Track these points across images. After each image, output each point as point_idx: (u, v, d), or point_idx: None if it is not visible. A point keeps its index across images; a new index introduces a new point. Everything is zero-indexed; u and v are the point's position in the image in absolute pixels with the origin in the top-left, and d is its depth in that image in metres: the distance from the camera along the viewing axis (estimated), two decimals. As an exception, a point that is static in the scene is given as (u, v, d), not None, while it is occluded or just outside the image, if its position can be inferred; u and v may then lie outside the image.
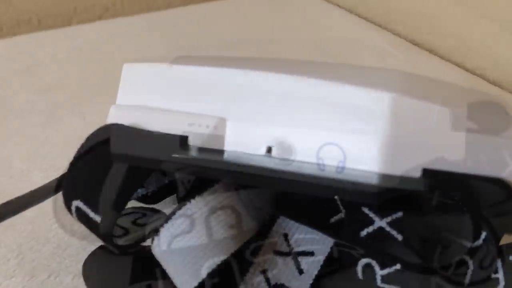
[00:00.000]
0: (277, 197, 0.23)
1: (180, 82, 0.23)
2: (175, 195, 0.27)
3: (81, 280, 0.25)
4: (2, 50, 0.49)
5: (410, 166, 0.20)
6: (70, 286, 0.26)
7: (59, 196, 0.24)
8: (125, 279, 0.23)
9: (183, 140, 0.21)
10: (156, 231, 0.22)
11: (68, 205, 0.23)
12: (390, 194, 0.19)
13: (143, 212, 0.26)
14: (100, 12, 0.60)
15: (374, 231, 0.21)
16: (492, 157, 0.21)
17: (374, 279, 0.22)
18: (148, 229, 0.24)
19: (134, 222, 0.25)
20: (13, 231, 0.29)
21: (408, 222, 0.21)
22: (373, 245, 0.21)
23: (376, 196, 0.19)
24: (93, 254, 0.25)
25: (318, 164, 0.20)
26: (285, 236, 0.23)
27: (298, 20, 0.58)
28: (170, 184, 0.27)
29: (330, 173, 0.20)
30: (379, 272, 0.22)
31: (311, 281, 0.23)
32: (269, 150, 0.21)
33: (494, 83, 0.46)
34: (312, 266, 0.23)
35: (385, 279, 0.22)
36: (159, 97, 0.23)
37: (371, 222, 0.21)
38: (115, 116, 0.23)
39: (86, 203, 0.22)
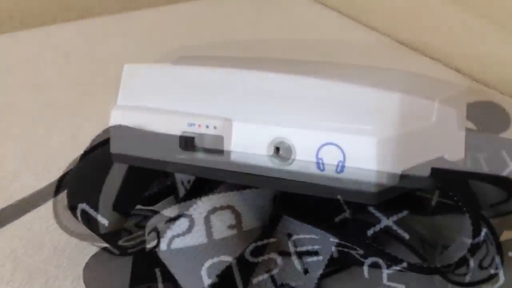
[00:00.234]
0: (281, 197, 0.23)
1: (183, 82, 0.22)
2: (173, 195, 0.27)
3: (81, 282, 0.25)
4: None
5: (416, 166, 0.20)
6: (70, 289, 0.26)
7: (58, 198, 0.23)
8: (125, 282, 0.23)
9: (189, 141, 0.21)
10: (158, 232, 0.22)
11: (72, 208, 0.22)
12: (390, 194, 0.20)
13: (144, 214, 0.26)
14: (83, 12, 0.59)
15: (381, 229, 0.21)
16: (492, 157, 0.21)
17: (380, 277, 0.22)
18: (148, 229, 0.24)
19: (137, 225, 0.25)
20: (7, 235, 0.28)
21: (413, 220, 0.21)
22: (379, 244, 0.21)
23: (376, 196, 0.19)
24: (94, 257, 0.24)
25: (318, 164, 0.20)
26: (289, 236, 0.23)
27: (286, 19, 0.58)
28: (170, 186, 0.27)
29: (331, 172, 0.20)
30: (386, 271, 0.22)
31: (316, 280, 0.23)
32: (277, 150, 0.20)
33: (480, 82, 0.46)
34: (316, 265, 0.23)
35: (391, 277, 0.22)
36: (162, 97, 0.23)
37: (378, 221, 0.21)
38: (117, 117, 0.23)
39: (92, 206, 0.22)
